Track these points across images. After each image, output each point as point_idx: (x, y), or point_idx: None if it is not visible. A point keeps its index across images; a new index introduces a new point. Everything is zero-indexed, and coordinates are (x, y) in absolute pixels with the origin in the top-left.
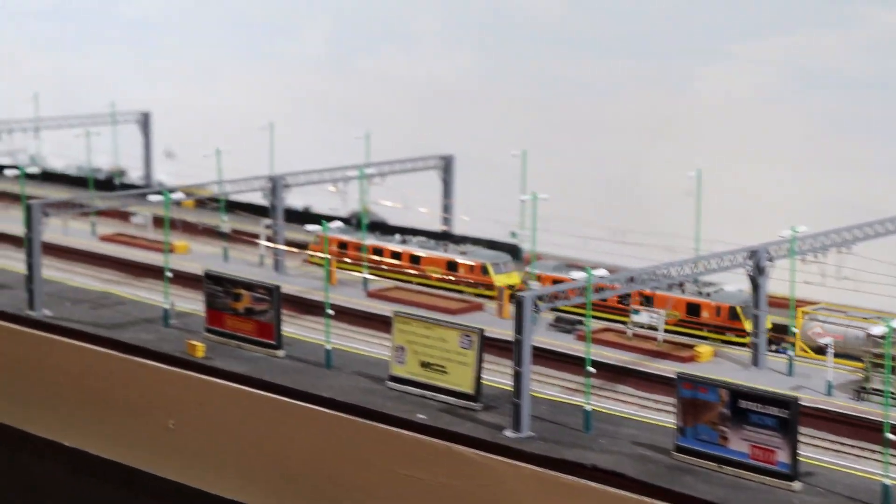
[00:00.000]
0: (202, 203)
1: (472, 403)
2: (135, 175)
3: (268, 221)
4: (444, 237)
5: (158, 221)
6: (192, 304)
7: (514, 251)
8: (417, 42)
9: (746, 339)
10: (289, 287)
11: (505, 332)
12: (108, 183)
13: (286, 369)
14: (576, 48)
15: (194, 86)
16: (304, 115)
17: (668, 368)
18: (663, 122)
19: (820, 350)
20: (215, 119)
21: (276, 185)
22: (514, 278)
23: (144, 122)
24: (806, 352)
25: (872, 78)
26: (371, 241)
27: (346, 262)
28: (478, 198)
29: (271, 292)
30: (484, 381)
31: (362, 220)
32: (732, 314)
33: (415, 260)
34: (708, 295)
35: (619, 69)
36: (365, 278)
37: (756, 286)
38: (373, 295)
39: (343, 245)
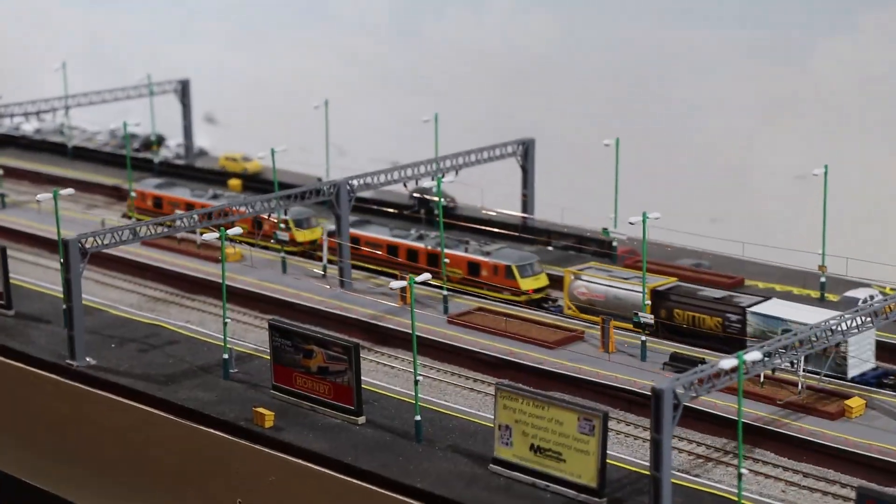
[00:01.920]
0: (248, 181)
1: (594, 499)
2: (173, 143)
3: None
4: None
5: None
6: (252, 332)
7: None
8: (490, 5)
9: (522, 298)
10: (359, 310)
11: (613, 374)
12: (146, 148)
13: (369, 444)
14: (675, 15)
15: (238, 49)
16: (362, 85)
17: (816, 430)
18: (776, 102)
19: (585, 309)
20: (261, 86)
21: (339, 192)
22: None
23: (183, 90)
24: (572, 310)
25: None
26: (182, 196)
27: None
28: (562, 184)
29: (349, 351)
30: None
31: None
32: (508, 273)
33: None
34: (488, 254)
35: (726, 40)
36: (445, 297)
37: None
38: (454, 321)
39: (158, 201)
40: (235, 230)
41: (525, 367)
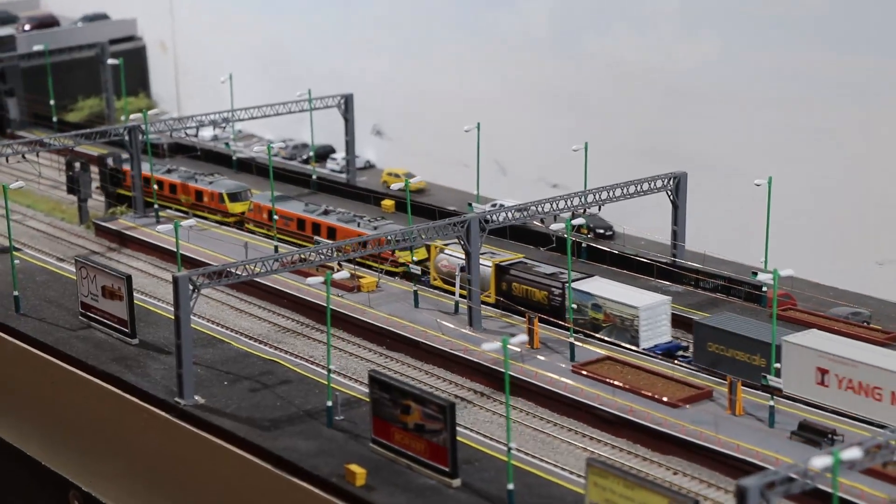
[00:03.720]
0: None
1: None
2: (340, 156)
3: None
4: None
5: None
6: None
7: (758, 299)
8: (655, 23)
9: (399, 270)
10: (481, 354)
11: (735, 442)
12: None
13: None
14: (844, 43)
15: (402, 64)
16: (520, 101)
17: None
18: None
19: (446, 280)
20: (425, 101)
21: (470, 228)
22: (244, 206)
23: (346, 105)
24: (437, 280)
25: None
26: (160, 175)
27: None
28: (712, 216)
29: (445, 411)
30: None
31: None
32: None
33: (172, 189)
34: (375, 229)
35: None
36: (572, 345)
37: None
38: (578, 371)
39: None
40: (343, 274)
41: (643, 428)
